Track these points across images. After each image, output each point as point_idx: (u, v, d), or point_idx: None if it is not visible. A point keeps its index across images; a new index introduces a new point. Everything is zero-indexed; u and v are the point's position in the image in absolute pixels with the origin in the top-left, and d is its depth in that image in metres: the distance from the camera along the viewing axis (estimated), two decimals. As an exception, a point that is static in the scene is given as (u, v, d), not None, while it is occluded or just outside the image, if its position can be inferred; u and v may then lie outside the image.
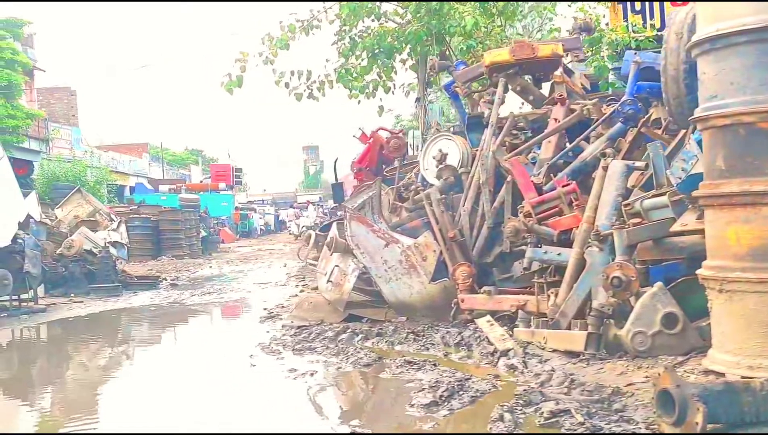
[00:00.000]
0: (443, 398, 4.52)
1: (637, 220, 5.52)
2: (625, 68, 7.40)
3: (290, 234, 35.51)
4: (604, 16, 14.98)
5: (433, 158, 7.80)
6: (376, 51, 13.13)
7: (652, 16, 15.90)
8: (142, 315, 10.41)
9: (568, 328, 5.53)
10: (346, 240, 7.49)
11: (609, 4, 13.67)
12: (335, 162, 22.10)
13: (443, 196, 7.47)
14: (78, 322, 9.91)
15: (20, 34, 22.55)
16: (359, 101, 13.35)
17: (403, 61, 13.90)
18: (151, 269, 17.07)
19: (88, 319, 10.14)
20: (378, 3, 13.24)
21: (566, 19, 14.97)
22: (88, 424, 4.78)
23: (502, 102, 7.67)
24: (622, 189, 5.84)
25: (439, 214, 7.33)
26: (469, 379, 4.97)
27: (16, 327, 9.63)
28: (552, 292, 6.00)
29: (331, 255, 7.63)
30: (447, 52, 14.18)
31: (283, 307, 9.61)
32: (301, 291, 10.52)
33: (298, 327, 7.64)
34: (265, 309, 9.64)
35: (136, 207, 21.84)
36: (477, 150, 7.77)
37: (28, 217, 11.52)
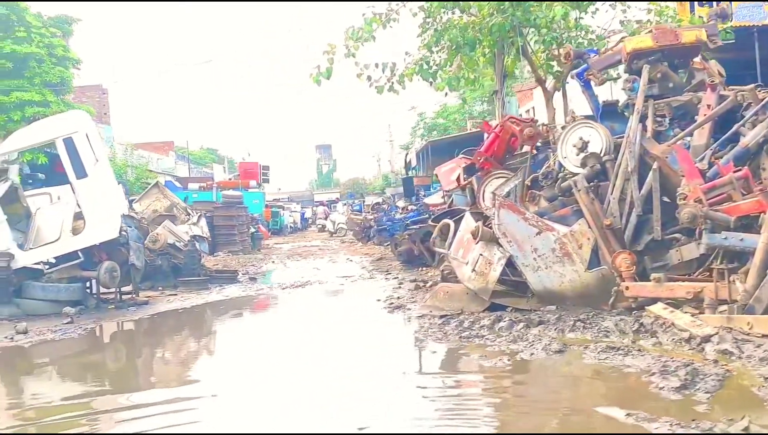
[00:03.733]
0: (689, 382, 4.46)
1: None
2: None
3: (325, 230, 35.49)
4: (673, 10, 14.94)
5: (574, 146, 7.73)
6: (460, 43, 13.10)
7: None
8: (257, 306, 10.37)
9: (765, 313, 5.47)
10: (492, 229, 7.44)
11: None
12: (407, 156, 21.97)
13: (591, 184, 7.40)
14: (194, 311, 9.97)
15: (70, 31, 22.53)
16: (446, 93, 13.34)
17: (484, 54, 13.87)
18: (217, 264, 17.02)
19: (200, 309, 10.17)
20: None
21: (640, 11, 14.91)
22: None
23: (647, 89, 7.60)
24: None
25: (588, 202, 7.27)
26: (690, 364, 4.90)
27: (132, 318, 9.62)
28: (735, 278, 5.94)
29: (476, 244, 7.57)
30: (525, 45, 14.18)
31: (398, 298, 9.58)
32: (417, 284, 10.42)
33: (441, 316, 7.60)
34: (378, 300, 9.61)
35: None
36: (617, 138, 7.70)
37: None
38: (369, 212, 26.78)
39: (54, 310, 9.77)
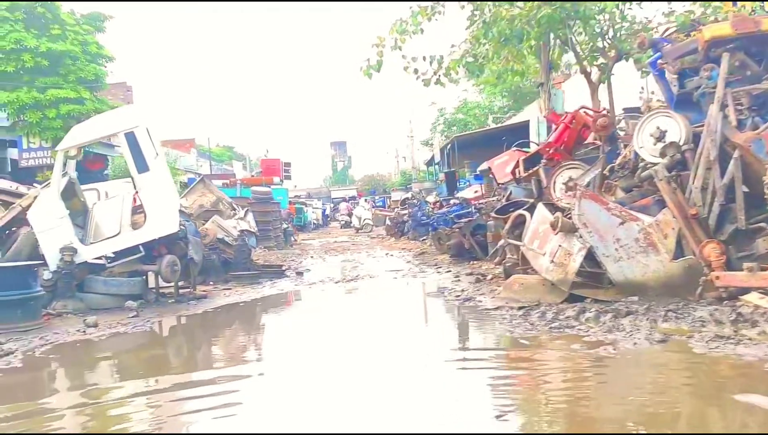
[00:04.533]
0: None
1: None
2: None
3: (351, 226, 35.47)
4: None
5: (651, 136, 7.66)
6: (508, 35, 13.00)
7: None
8: (318, 300, 10.31)
9: None
10: (571, 219, 7.38)
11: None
12: (447, 147, 21.82)
13: (671, 174, 7.33)
14: (256, 305, 10.00)
15: (103, 28, 22.60)
16: (496, 84, 13.22)
17: (530, 46, 13.77)
18: (258, 259, 17.03)
19: (262, 302, 10.20)
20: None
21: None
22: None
23: (727, 78, 7.51)
24: None
25: (671, 192, 7.19)
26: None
27: (195, 311, 9.61)
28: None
29: (555, 235, 7.51)
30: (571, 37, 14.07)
31: (462, 290, 9.53)
32: (477, 277, 10.35)
33: (519, 308, 7.56)
34: (442, 293, 9.57)
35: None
36: (694, 127, 7.62)
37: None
38: (400, 208, 26.70)
39: (116, 304, 9.80)
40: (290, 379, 5.53)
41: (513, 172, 11.25)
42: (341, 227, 39.57)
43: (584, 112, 8.63)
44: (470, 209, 15.40)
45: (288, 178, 44.29)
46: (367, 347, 6.77)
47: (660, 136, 7.65)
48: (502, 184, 11.53)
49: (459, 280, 10.62)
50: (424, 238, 20.05)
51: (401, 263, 14.75)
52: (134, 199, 10.66)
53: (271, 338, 7.92)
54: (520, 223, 8.77)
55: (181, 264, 10.39)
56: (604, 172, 7.89)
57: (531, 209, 9.46)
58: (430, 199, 26.17)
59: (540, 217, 8.03)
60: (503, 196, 10.58)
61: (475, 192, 20.94)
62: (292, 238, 26.04)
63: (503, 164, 11.54)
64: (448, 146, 32.27)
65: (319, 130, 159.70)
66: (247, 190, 26.04)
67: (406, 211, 23.24)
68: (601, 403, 4.39)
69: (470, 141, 30.87)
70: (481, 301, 8.46)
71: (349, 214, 39.53)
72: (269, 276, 13.08)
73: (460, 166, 32.19)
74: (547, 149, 8.95)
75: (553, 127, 9.28)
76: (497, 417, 4.07)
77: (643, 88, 15.03)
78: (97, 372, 6.64)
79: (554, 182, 8.68)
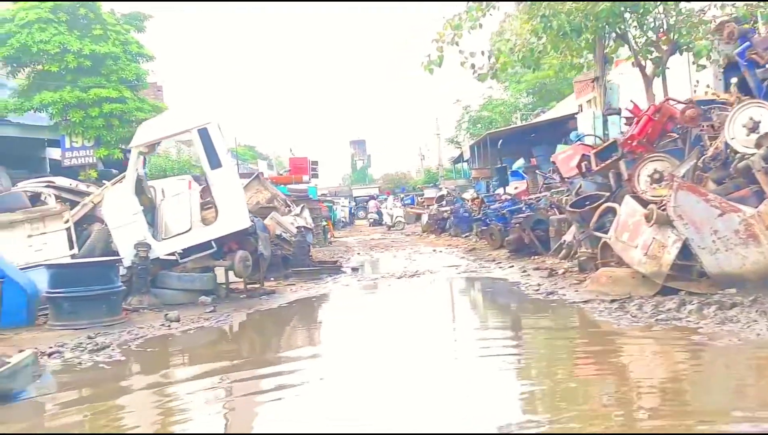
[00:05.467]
0: None
1: None
2: None
3: (382, 224, 35.50)
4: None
5: (743, 127, 7.56)
6: (566, 29, 12.95)
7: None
8: (388, 294, 10.32)
9: None
10: (666, 211, 7.30)
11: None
12: (499, 143, 21.92)
13: (768, 164, 7.23)
14: (326, 299, 10.06)
15: (143, 27, 22.72)
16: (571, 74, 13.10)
17: (587, 40, 13.69)
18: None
19: (332, 297, 10.25)
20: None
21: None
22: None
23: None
24: None
25: (768, 183, 7.10)
26: None
27: (270, 306, 9.65)
28: None
29: (649, 227, 7.44)
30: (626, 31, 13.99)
31: (539, 284, 9.49)
32: (549, 272, 10.28)
33: (612, 301, 7.51)
34: (517, 287, 9.53)
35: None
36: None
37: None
38: (438, 205, 26.67)
39: (188, 300, 9.86)
40: (385, 369, 5.55)
41: (578, 166, 11.18)
42: (370, 225, 39.56)
43: (670, 103, 8.56)
44: (521, 205, 15.34)
45: (315, 176, 44.30)
46: (473, 343, 6.76)
47: (753, 127, 7.55)
48: (568, 178, 11.46)
49: (528, 275, 10.57)
50: (467, 234, 20.01)
51: (455, 259, 14.71)
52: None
53: (358, 330, 7.91)
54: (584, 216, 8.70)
55: (251, 259, 10.41)
56: (698, 163, 7.80)
57: (604, 203, 9.42)
58: (467, 196, 26.10)
59: (629, 210, 7.96)
60: (572, 191, 10.50)
61: (515, 188, 20.91)
62: (329, 236, 26.09)
63: (568, 158, 11.48)
64: (480, 143, 32.18)
65: (337, 128, 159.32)
66: (283, 187, 26.10)
67: (447, 208, 23.18)
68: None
69: (502, 138, 30.75)
70: (565, 295, 8.41)
71: (378, 212, 39.55)
72: (328, 272, 13.08)
73: (493, 163, 32.10)
74: (629, 141, 8.87)
75: (635, 119, 9.19)
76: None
77: (698, 81, 14.90)
78: (203, 361, 6.63)
79: (638, 175, 8.60)
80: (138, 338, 7.60)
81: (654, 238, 7.44)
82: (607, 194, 9.46)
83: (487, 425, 3.95)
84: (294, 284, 11.71)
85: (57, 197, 11.28)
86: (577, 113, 27.94)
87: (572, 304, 7.82)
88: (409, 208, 35.42)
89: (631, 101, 9.80)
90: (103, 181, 13.28)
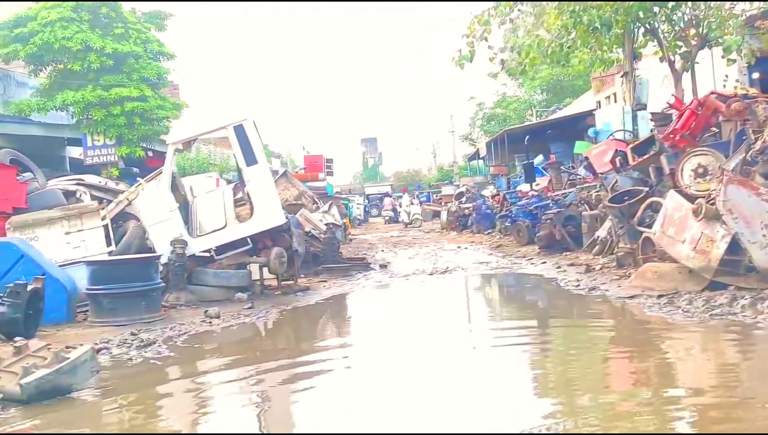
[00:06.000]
0: None
1: None
2: None
3: (398, 221, 35.47)
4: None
5: (792, 119, 7.51)
6: (597, 24, 12.87)
7: None
8: (425, 290, 10.28)
9: None
10: (715, 206, 7.23)
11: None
12: (526, 139, 21.90)
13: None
14: (363, 294, 10.05)
15: (164, 26, 22.77)
16: (600, 70, 13.04)
17: (617, 34, 13.60)
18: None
19: (368, 292, 10.23)
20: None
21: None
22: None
23: None
24: None
25: (822, 176, 7.03)
26: None
27: (307, 302, 9.65)
28: None
29: (697, 221, 7.37)
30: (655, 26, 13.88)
31: (577, 280, 9.42)
32: (586, 267, 10.19)
33: (659, 296, 7.44)
34: (555, 283, 9.47)
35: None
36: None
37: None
38: (457, 202, 26.62)
39: (224, 296, 9.85)
40: (443, 367, 5.51)
41: (612, 162, 11.11)
42: (386, 223, 39.51)
43: (715, 97, 8.48)
44: (548, 201, 15.27)
45: (330, 174, 44.30)
46: (528, 340, 6.70)
47: (803, 120, 7.47)
48: (602, 173, 11.38)
49: (564, 271, 10.50)
50: (490, 231, 19.93)
51: (483, 256, 14.63)
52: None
53: (403, 327, 7.87)
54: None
55: (286, 256, 10.40)
56: (747, 157, 7.71)
57: (645, 197, 9.34)
58: (486, 193, 26.04)
59: (674, 204, 7.88)
60: (608, 186, 10.42)
61: (536, 184, 20.82)
62: (347, 233, 26.07)
63: (601, 154, 11.40)
64: (497, 140, 32.09)
65: (348, 127, 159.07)
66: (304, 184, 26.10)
67: (469, 205, 23.12)
68: None
69: (520, 135, 30.64)
70: (608, 290, 8.35)
71: (394, 210, 39.49)
72: (357, 269, 13.06)
73: (510, 159, 32.02)
74: (672, 136, 8.78)
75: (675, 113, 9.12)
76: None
77: (727, 76, 14.77)
78: (253, 356, 6.60)
79: (682, 169, 8.51)
80: (182, 334, 7.61)
81: (702, 232, 7.37)
82: (647, 189, 9.38)
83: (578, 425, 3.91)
84: (326, 281, 11.69)
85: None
86: (595, 110, 27.83)
87: (618, 299, 7.76)
88: (425, 205, 35.36)
89: (673, 95, 9.72)
90: (137, 179, 13.31)
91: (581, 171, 15.85)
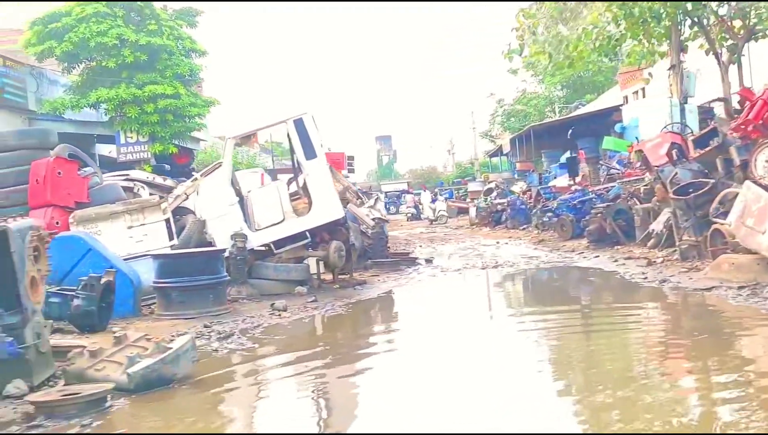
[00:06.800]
0: None
1: None
2: None
3: (422, 218, 35.41)
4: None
5: None
6: (647, 17, 12.79)
7: None
8: (484, 283, 10.26)
9: None
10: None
11: None
12: (570, 133, 21.81)
13: None
14: (423, 288, 10.10)
15: (195, 23, 22.83)
16: (648, 65, 13.01)
17: (665, 27, 13.50)
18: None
19: (427, 285, 10.28)
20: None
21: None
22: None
23: None
24: None
25: None
26: None
27: (369, 296, 9.65)
28: None
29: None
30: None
31: (643, 273, 9.36)
32: (648, 261, 10.09)
33: (739, 287, 7.38)
34: (615, 275, 9.42)
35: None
36: None
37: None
38: (486, 198, 26.55)
39: (284, 290, 9.81)
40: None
41: (668, 154, 11.01)
42: (408, 220, 39.45)
43: (791, 86, 8.40)
44: (591, 196, 15.20)
45: (352, 171, 44.34)
46: (626, 334, 6.64)
47: None
48: (658, 166, 11.29)
49: (623, 264, 10.42)
50: (525, 226, 19.86)
51: (527, 250, 14.56)
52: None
53: (475, 318, 7.87)
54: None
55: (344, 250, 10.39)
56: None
57: (712, 189, 9.27)
58: (515, 188, 25.96)
59: (752, 195, 7.80)
60: (666, 179, 10.32)
61: (570, 180, 20.76)
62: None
63: (656, 146, 11.30)
64: (522, 136, 32.02)
65: (363, 124, 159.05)
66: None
67: (503, 201, 23.06)
68: None
69: (545, 131, 30.55)
70: (680, 283, 8.29)
71: (415, 206, 39.42)
72: (406, 264, 13.03)
73: (536, 156, 31.93)
74: (743, 126, 8.69)
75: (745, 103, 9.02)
76: None
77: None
78: (336, 345, 6.61)
79: (755, 160, 8.42)
80: (256, 326, 7.62)
81: (785, 223, 7.29)
82: (713, 181, 9.31)
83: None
84: (378, 275, 11.68)
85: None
86: (622, 105, 27.67)
87: (695, 291, 7.69)
88: (450, 201, 35.29)
89: (742, 85, 9.62)
90: (193, 173, 13.35)
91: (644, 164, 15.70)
